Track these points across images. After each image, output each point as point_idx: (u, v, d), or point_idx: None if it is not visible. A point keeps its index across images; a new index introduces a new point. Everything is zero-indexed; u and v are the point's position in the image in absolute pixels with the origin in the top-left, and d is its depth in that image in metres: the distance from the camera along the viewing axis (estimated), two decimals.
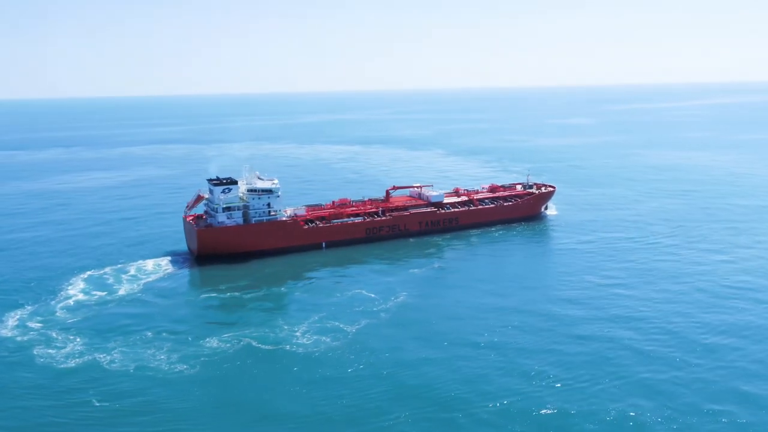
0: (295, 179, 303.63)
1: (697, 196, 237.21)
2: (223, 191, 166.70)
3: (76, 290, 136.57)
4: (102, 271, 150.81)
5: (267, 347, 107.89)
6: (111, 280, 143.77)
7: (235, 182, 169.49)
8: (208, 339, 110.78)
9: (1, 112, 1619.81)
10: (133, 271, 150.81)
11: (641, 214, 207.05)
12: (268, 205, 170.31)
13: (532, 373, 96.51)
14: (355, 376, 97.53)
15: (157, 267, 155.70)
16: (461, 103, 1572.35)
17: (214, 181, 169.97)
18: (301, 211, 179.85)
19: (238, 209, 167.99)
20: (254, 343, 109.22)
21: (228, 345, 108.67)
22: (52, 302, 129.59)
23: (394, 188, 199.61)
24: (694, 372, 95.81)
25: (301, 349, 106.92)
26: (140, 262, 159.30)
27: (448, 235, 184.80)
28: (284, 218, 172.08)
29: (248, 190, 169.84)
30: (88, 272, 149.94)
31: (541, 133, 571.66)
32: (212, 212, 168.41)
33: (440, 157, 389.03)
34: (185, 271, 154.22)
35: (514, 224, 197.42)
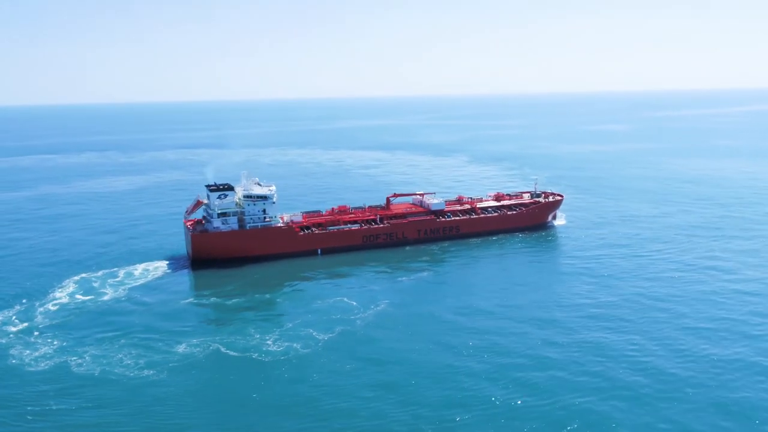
0: (314, 185, 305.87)
1: (718, 208, 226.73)
2: (219, 197, 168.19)
3: (65, 293, 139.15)
4: (95, 274, 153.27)
5: (234, 354, 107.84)
6: (101, 284, 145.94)
7: (231, 188, 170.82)
8: (178, 345, 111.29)
9: (40, 116, 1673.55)
10: (125, 276, 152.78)
11: (655, 226, 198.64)
12: (264, 211, 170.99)
13: (497, 393, 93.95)
14: (316, 385, 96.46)
15: (152, 271, 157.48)
16: (499, 108, 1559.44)
17: (212, 187, 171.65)
18: (298, 218, 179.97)
19: (234, 215, 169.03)
20: (222, 350, 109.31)
21: (197, 350, 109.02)
22: (39, 304, 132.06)
23: (395, 195, 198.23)
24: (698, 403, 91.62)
25: (268, 357, 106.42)
26: (136, 266, 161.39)
27: (445, 244, 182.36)
28: (279, 224, 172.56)
29: (244, 196, 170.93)
30: (82, 275, 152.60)
31: (571, 139, 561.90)
32: (209, 217, 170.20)
33: (461, 164, 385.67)
34: (176, 276, 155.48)
35: (516, 233, 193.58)
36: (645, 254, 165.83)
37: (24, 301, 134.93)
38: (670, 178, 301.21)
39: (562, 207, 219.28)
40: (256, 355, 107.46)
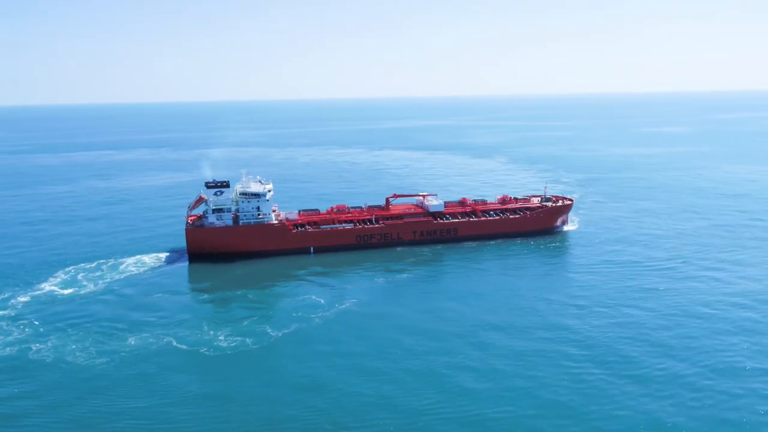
0: (335, 184, 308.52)
1: (746, 218, 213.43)
2: (215, 193, 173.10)
3: (52, 283, 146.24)
4: (88, 266, 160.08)
5: (183, 347, 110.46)
6: (89, 275, 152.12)
7: (227, 185, 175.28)
8: (134, 336, 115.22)
9: (105, 114, 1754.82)
10: (113, 267, 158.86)
11: (669, 235, 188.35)
12: (258, 208, 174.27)
13: (421, 400, 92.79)
14: (257, 383, 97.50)
15: (146, 264, 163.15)
16: (566, 109, 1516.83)
17: (210, 184, 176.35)
18: (293, 216, 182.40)
19: (229, 211, 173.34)
20: (174, 343, 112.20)
21: (150, 342, 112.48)
22: (22, 292, 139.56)
23: (395, 196, 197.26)
24: None
25: (216, 352, 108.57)
26: (131, 258, 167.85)
27: (439, 246, 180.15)
28: (273, 222, 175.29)
29: (240, 194, 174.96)
30: (75, 266, 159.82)
31: (624, 142, 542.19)
32: (206, 213, 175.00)
33: (496, 166, 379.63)
34: (167, 270, 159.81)
35: (516, 238, 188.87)
36: (646, 264, 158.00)
37: (14, 289, 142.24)
38: (708, 183, 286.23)
39: (578, 212, 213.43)
40: (205, 349, 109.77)
